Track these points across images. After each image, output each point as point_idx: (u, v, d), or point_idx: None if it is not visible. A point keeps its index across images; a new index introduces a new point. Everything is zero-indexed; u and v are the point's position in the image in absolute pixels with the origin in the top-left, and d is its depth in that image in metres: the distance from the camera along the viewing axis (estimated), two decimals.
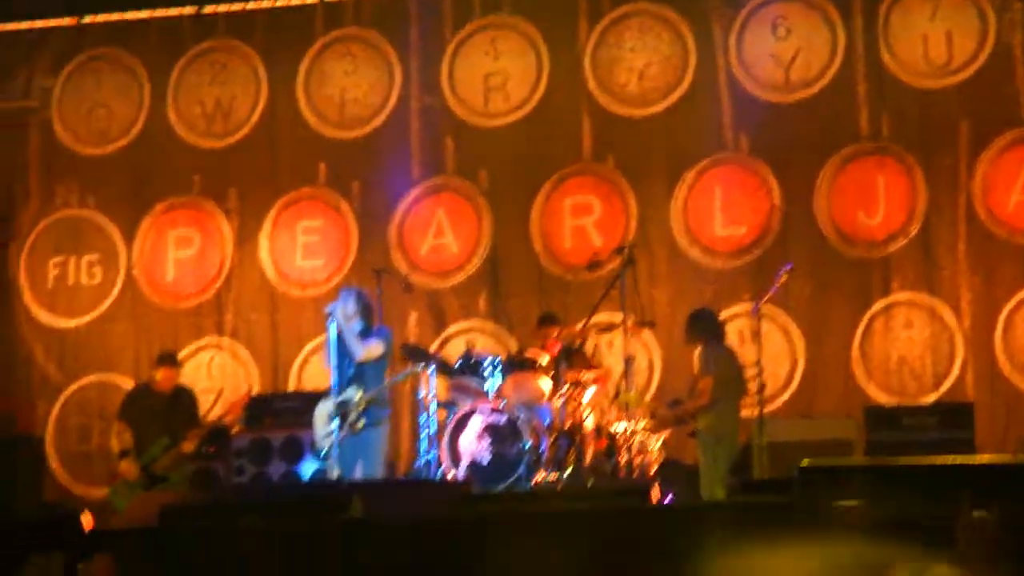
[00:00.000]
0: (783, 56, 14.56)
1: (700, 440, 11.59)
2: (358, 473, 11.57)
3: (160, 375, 13.11)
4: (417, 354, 12.85)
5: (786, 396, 14.04)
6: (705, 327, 11.87)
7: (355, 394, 11.60)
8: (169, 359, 13.32)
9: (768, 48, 14.61)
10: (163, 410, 12.95)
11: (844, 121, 14.34)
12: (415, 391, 13.14)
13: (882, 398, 13.80)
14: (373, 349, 11.74)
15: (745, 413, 11.96)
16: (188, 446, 12.84)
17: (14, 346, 15.81)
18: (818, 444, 11.76)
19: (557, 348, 12.70)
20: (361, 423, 11.57)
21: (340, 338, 11.65)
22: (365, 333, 11.78)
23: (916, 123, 14.20)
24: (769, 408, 12.60)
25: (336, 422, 11.39)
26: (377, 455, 11.77)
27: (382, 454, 11.92)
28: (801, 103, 14.46)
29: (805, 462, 7.89)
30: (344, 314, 11.70)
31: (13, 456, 14.43)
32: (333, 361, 11.62)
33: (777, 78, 14.56)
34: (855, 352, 14.01)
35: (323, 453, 11.86)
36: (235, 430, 13.62)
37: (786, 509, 7.57)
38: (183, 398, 13.16)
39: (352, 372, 11.70)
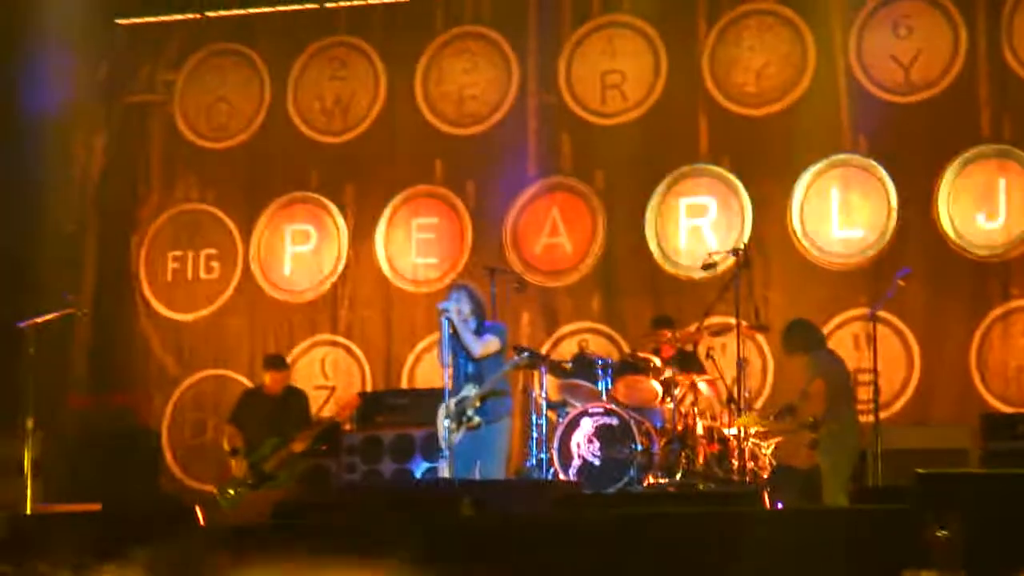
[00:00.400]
0: (904, 56, 14.40)
1: (822, 446, 11.37)
2: (477, 472, 11.45)
3: (268, 378, 13.26)
4: (529, 354, 12.84)
5: (901, 403, 13.89)
6: (804, 336, 11.70)
7: (471, 391, 11.61)
8: (276, 362, 13.47)
9: (889, 48, 14.46)
10: (273, 412, 13.07)
11: (965, 122, 14.16)
12: (527, 391, 13.14)
13: (1000, 407, 13.61)
14: (490, 345, 11.70)
15: (860, 420, 11.84)
16: (299, 446, 12.95)
17: (133, 339, 16.02)
18: (933, 452, 11.64)
19: (670, 350, 12.65)
20: (476, 420, 11.54)
21: (454, 336, 11.64)
22: (479, 330, 11.77)
23: None
24: (884, 415, 12.50)
25: (452, 421, 11.37)
26: (497, 452, 11.51)
27: (504, 452, 11.69)
28: (922, 104, 14.29)
29: (920, 471, 7.81)
30: (459, 312, 11.70)
31: (131, 448, 14.66)
32: (447, 359, 11.62)
33: (897, 78, 14.40)
34: (972, 359, 13.83)
35: (442, 453, 11.86)
36: (346, 428, 13.72)
37: (903, 517, 7.49)
38: (293, 399, 13.28)
39: (470, 370, 11.69)
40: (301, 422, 13.11)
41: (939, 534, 6.97)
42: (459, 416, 11.40)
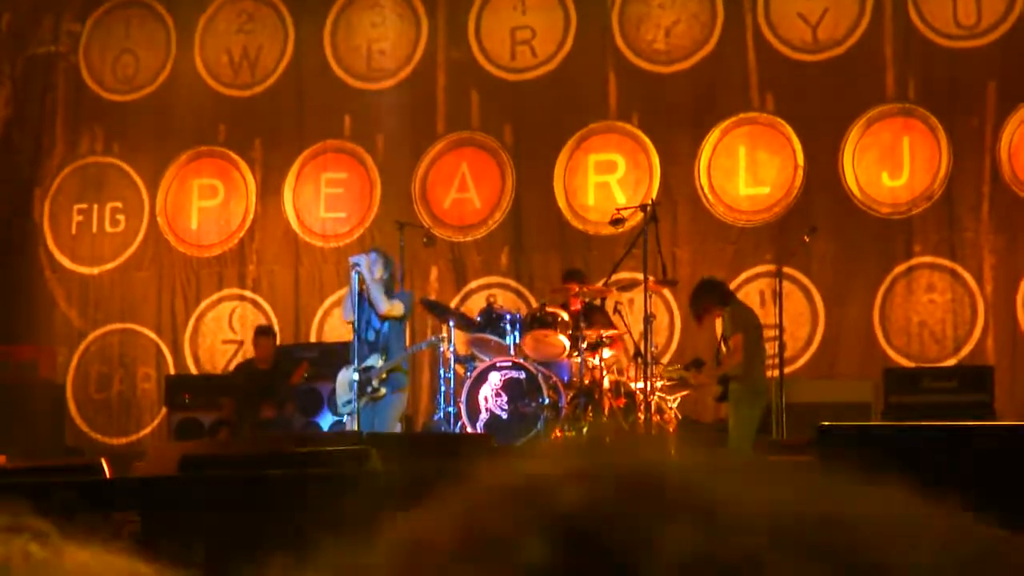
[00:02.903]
0: (811, 15, 14.48)
1: (732, 399, 11.38)
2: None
3: (259, 347, 13.61)
4: (437, 309, 12.89)
5: (806, 358, 14.03)
6: (717, 292, 11.75)
7: (377, 362, 11.65)
8: (264, 331, 13.84)
9: (796, 6, 14.53)
10: (265, 383, 13.23)
11: (870, 82, 14.27)
12: (435, 347, 13.16)
13: (902, 362, 13.79)
14: (395, 307, 11.76)
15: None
16: (267, 412, 13.10)
17: (37, 292, 15.87)
18: (836, 406, 11.76)
19: (579, 304, 12.70)
20: (382, 391, 11.63)
21: (362, 295, 11.67)
22: (388, 296, 11.83)
23: (943, 84, 14.10)
24: (789, 370, 12.62)
25: (356, 390, 11.44)
26: (393, 418, 11.85)
27: (397, 419, 12.00)
28: (828, 63, 14.39)
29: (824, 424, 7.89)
30: (370, 271, 11.72)
31: (36, 401, 14.54)
32: (354, 313, 11.65)
33: (805, 37, 14.49)
34: (876, 315, 13.99)
35: (343, 419, 11.95)
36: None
37: (807, 469, 7.56)
38: (282, 369, 13.41)
39: (372, 338, 11.73)
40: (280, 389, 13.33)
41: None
42: (364, 386, 11.46)
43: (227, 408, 13.44)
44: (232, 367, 14.50)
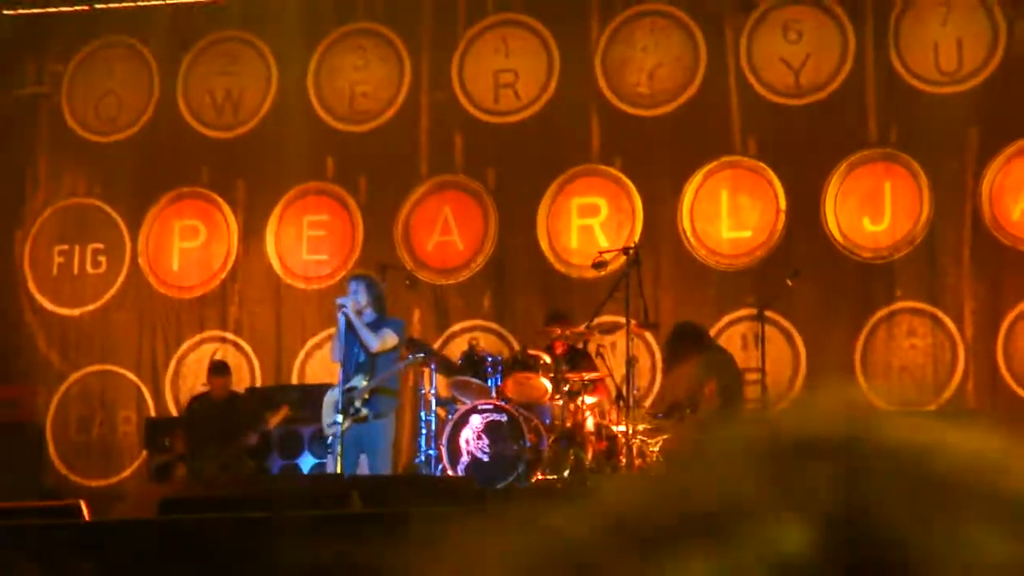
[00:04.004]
0: (793, 60, 14.55)
1: None
2: (363, 467, 11.56)
3: (213, 384, 13.42)
4: (421, 349, 12.87)
5: (786, 403, 13.98)
6: (694, 339, 11.77)
7: (361, 382, 11.63)
8: (217, 369, 13.58)
9: (779, 51, 14.59)
10: (218, 417, 13.10)
11: (853, 126, 14.33)
12: (416, 387, 13.14)
13: (883, 406, 13.75)
14: (388, 340, 11.76)
15: None
16: (252, 438, 13.00)
17: (17, 333, 15.82)
18: None
19: (563, 347, 12.69)
20: (364, 413, 11.58)
21: (351, 331, 11.66)
22: (377, 324, 11.80)
23: (925, 130, 14.15)
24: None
25: (339, 416, 11.41)
26: (382, 448, 11.77)
27: (388, 447, 11.92)
28: (810, 107, 14.45)
29: None
30: (355, 307, 11.72)
31: (14, 443, 14.48)
32: (341, 355, 11.64)
33: (787, 82, 14.55)
34: (857, 359, 13.99)
35: (328, 442, 11.89)
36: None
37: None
38: (237, 405, 13.32)
39: (362, 359, 11.71)
40: (244, 426, 13.13)
41: None
42: (347, 407, 11.44)
43: (178, 442, 13.31)
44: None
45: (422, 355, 12.24)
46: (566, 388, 12.24)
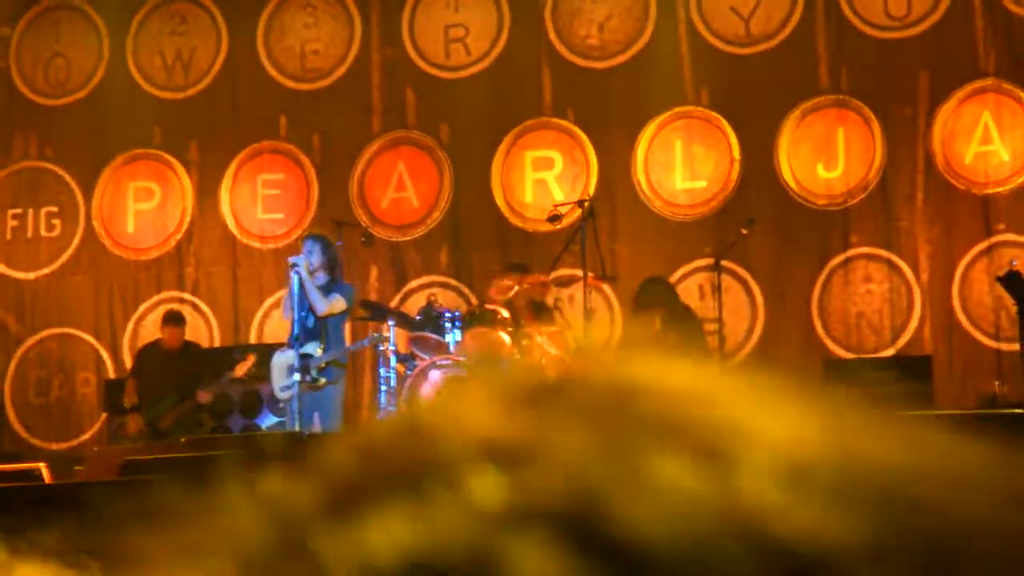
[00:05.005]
0: (743, 8, 14.54)
1: None
2: (316, 425, 11.63)
3: (166, 334, 13.25)
4: (376, 309, 12.87)
5: (746, 351, 14.08)
6: (658, 292, 11.83)
7: (316, 350, 11.65)
8: (172, 319, 13.49)
9: (728, 0, 14.58)
10: (172, 366, 13.05)
11: (804, 74, 14.34)
12: (375, 345, 13.14)
13: (841, 353, 13.87)
14: (336, 304, 11.78)
15: None
16: (203, 396, 12.96)
17: None
18: None
19: (514, 292, 12.63)
20: (322, 381, 11.64)
21: (302, 290, 11.67)
22: (328, 287, 11.82)
23: (875, 75, 14.19)
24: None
25: (296, 376, 11.44)
26: (336, 408, 11.86)
27: (340, 407, 12.00)
28: (761, 56, 14.46)
29: None
30: (308, 267, 11.73)
31: None
32: (294, 313, 11.65)
33: (738, 30, 14.55)
34: (814, 306, 14.06)
35: (281, 405, 11.94)
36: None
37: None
38: (192, 353, 13.29)
39: (312, 325, 11.74)
40: (199, 375, 13.09)
41: None
42: (303, 373, 11.47)
43: (130, 391, 13.26)
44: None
45: (382, 336, 12.25)
46: (524, 341, 12.26)
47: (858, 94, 14.15)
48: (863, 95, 14.13)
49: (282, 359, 11.77)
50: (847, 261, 14.06)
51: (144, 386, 13.14)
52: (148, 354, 13.49)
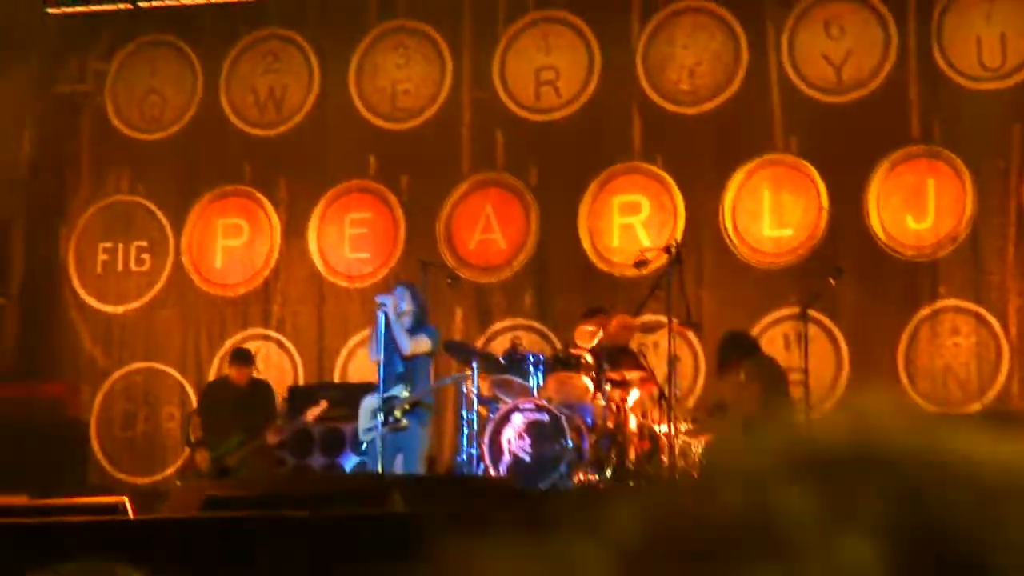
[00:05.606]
0: (835, 56, 14.49)
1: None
2: (398, 467, 11.65)
3: (234, 372, 13.26)
4: (461, 351, 12.88)
5: (831, 402, 13.97)
6: (742, 346, 11.80)
7: (402, 392, 11.68)
8: (240, 357, 13.45)
9: (820, 48, 14.54)
10: (239, 404, 13.08)
11: (895, 123, 14.26)
12: (458, 386, 13.15)
13: (927, 405, 13.71)
14: (421, 344, 11.82)
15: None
16: (272, 438, 12.99)
17: (62, 330, 15.90)
18: None
19: (599, 338, 12.63)
20: (405, 422, 11.67)
21: (388, 330, 11.73)
22: (415, 330, 11.87)
23: (968, 126, 14.08)
24: (814, 414, 12.56)
25: (380, 418, 11.48)
26: (418, 450, 11.87)
27: (423, 450, 12.00)
28: (852, 104, 14.39)
29: None
30: (396, 309, 11.79)
31: (59, 440, 14.56)
32: (380, 354, 11.70)
33: (829, 78, 14.50)
34: (900, 358, 13.94)
35: (364, 447, 11.97)
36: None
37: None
38: (259, 391, 13.30)
39: (400, 369, 11.78)
40: (268, 414, 13.14)
41: None
42: (387, 415, 11.50)
43: (195, 426, 13.28)
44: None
45: (467, 372, 12.24)
46: (608, 387, 12.22)
47: (950, 145, 14.05)
48: (955, 146, 14.03)
49: (369, 402, 11.82)
50: (935, 313, 13.93)
51: (210, 421, 13.14)
52: (215, 390, 13.52)
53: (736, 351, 11.71)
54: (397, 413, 11.60)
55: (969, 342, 13.87)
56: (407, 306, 11.84)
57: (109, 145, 16.14)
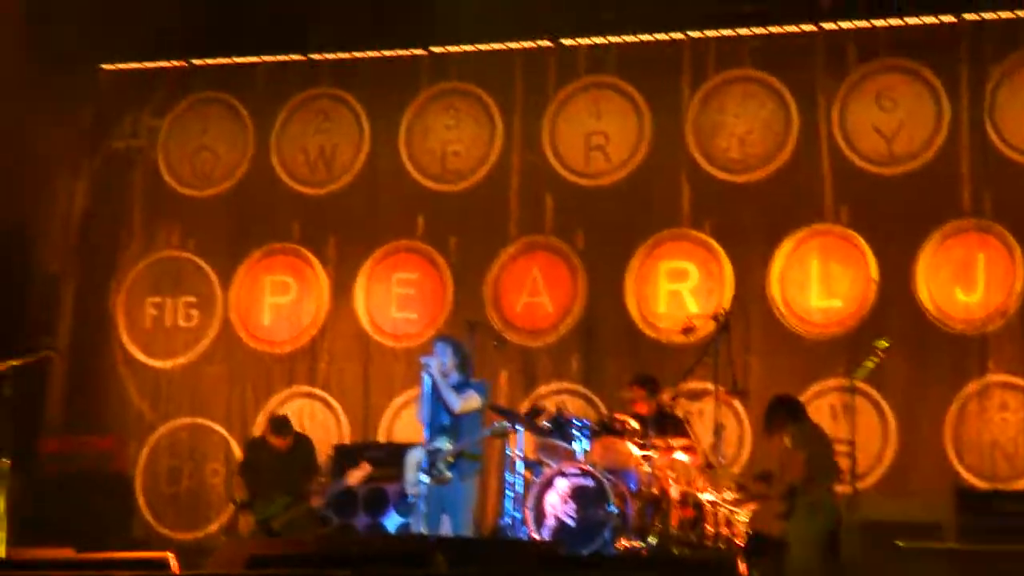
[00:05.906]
0: (887, 128, 14.49)
1: (794, 516, 11.37)
2: (444, 527, 11.61)
3: (272, 440, 13.23)
4: (506, 415, 12.87)
5: (877, 475, 13.90)
6: (789, 410, 11.77)
7: (445, 444, 11.67)
8: (277, 428, 13.33)
9: (871, 119, 14.54)
10: (282, 462, 13.06)
11: (946, 196, 14.24)
12: (503, 448, 13.13)
13: (974, 480, 13.64)
14: (471, 401, 11.82)
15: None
16: (316, 501, 12.96)
17: (109, 384, 15.97)
18: (909, 525, 11.63)
19: (647, 408, 12.65)
20: (448, 475, 11.62)
21: (435, 391, 11.73)
22: (462, 386, 11.86)
23: (1019, 200, 14.05)
24: (860, 485, 12.49)
25: (424, 471, 11.46)
26: (464, 510, 11.80)
27: (470, 509, 11.93)
28: (903, 176, 14.38)
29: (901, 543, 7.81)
30: (440, 368, 11.80)
31: (105, 493, 14.59)
32: (426, 414, 11.71)
33: (880, 150, 14.49)
34: (948, 432, 13.86)
35: (410, 502, 11.93)
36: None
37: None
38: (301, 449, 13.27)
39: (445, 422, 11.77)
40: (309, 469, 13.12)
41: None
42: (431, 468, 11.48)
43: (239, 486, 13.26)
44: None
45: (509, 425, 12.20)
46: (653, 454, 12.19)
47: (1000, 219, 14.01)
48: (1005, 220, 13.99)
49: (414, 455, 11.80)
50: (983, 388, 13.85)
51: (254, 481, 13.10)
52: (257, 448, 13.44)
53: (782, 414, 11.66)
54: (441, 465, 11.58)
55: (1017, 417, 13.80)
56: (449, 360, 11.84)
57: (160, 201, 16.25)
